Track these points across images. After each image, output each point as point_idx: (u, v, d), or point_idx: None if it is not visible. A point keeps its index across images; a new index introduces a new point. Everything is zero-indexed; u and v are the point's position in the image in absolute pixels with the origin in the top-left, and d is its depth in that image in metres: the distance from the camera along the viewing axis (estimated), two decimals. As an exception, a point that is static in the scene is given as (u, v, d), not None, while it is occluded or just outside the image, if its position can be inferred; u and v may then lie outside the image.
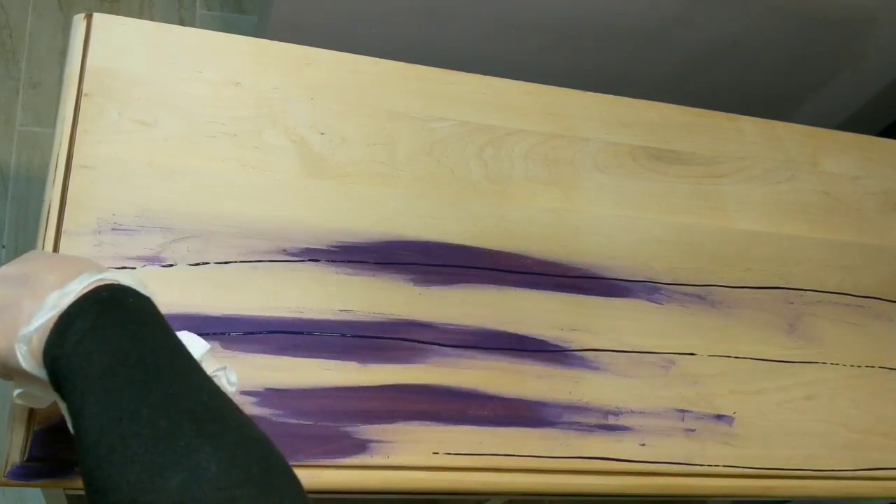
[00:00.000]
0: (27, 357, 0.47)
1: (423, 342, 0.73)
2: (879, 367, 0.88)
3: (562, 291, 0.80)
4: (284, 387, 0.67)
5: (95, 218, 0.69)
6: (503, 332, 0.76)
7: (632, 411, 0.76)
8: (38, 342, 0.47)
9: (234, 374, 0.55)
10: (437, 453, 0.68)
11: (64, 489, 0.65)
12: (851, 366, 0.87)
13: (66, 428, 0.60)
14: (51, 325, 0.46)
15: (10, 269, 0.51)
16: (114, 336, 0.46)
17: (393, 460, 0.67)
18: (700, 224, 0.90)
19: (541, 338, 0.77)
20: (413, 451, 0.68)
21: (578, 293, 0.81)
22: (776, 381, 0.83)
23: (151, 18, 1.62)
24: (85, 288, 0.48)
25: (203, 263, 0.70)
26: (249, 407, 0.65)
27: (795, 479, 0.78)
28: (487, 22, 1.37)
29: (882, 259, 0.96)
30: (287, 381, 0.68)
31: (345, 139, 0.80)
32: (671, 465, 0.75)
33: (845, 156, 1.02)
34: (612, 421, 0.75)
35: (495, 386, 0.73)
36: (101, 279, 0.49)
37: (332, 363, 0.69)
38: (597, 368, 0.77)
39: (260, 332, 0.69)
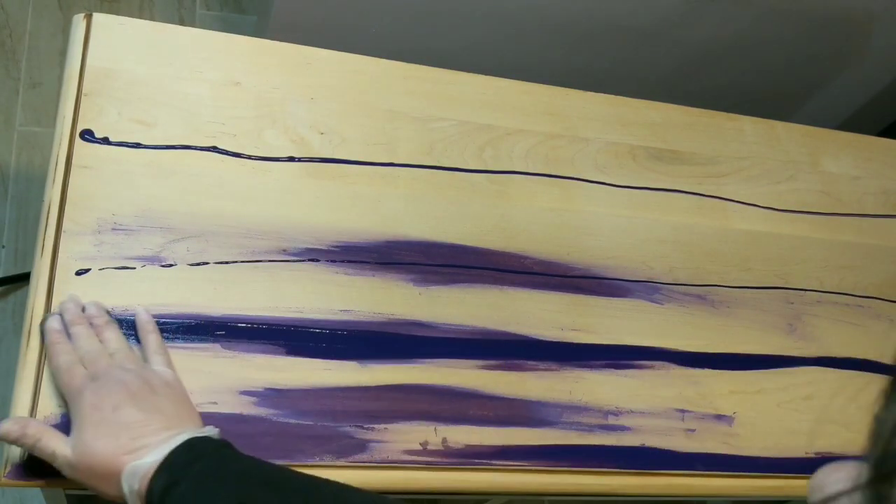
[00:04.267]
0: (130, 495, 0.54)
1: (423, 342, 0.73)
2: (879, 367, 0.88)
3: (562, 291, 0.80)
4: (284, 387, 0.67)
5: (95, 218, 0.69)
6: (503, 332, 0.76)
7: (632, 411, 0.76)
8: (142, 479, 0.53)
9: None
10: (437, 453, 0.68)
11: (64, 489, 0.64)
12: (851, 366, 0.87)
13: (67, 427, 0.60)
14: (153, 469, 0.53)
15: (141, 391, 0.57)
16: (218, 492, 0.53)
17: (393, 460, 0.67)
18: (700, 224, 0.90)
19: (541, 338, 0.77)
20: (413, 452, 0.68)
21: (578, 293, 0.81)
22: (776, 381, 0.83)
23: (151, 18, 1.62)
24: (190, 442, 0.55)
25: (203, 263, 0.70)
26: (249, 407, 0.65)
27: (795, 479, 0.78)
28: (487, 22, 1.37)
29: (882, 259, 0.96)
30: (287, 381, 0.68)
31: (345, 139, 0.80)
32: (671, 465, 0.75)
33: (845, 156, 1.02)
34: (612, 421, 0.75)
35: (495, 386, 0.73)
36: (200, 435, 0.56)
37: (332, 363, 0.69)
38: (597, 368, 0.77)
39: (260, 332, 0.69)
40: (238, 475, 0.54)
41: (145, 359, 0.62)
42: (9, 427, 0.56)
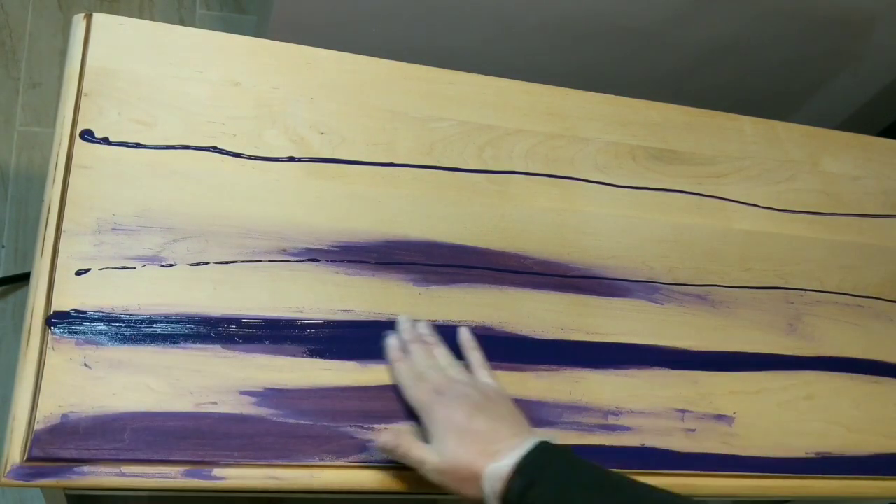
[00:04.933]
0: (490, 495, 0.60)
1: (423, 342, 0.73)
2: (879, 367, 0.88)
3: (562, 291, 0.80)
4: (284, 387, 0.67)
5: (95, 218, 0.69)
6: (503, 332, 0.76)
7: (632, 411, 0.76)
8: (501, 480, 0.59)
9: None
10: (437, 453, 0.68)
11: (64, 489, 0.64)
12: (851, 366, 0.87)
13: (66, 427, 0.60)
14: (511, 470, 0.59)
15: (482, 402, 0.65)
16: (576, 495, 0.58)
17: (393, 460, 0.67)
18: (700, 224, 0.90)
19: (541, 338, 0.77)
20: (413, 451, 0.68)
21: (578, 293, 0.81)
22: (776, 381, 0.83)
23: (151, 18, 1.62)
24: (539, 445, 0.61)
25: (203, 263, 0.70)
26: (249, 407, 0.65)
27: (795, 479, 0.78)
28: (487, 22, 1.36)
29: (882, 259, 0.96)
30: (287, 381, 0.68)
31: (345, 139, 0.80)
32: (671, 465, 0.75)
33: (845, 156, 1.02)
34: (612, 421, 0.75)
35: (495, 386, 0.73)
36: (546, 442, 0.61)
37: (332, 363, 0.69)
38: (597, 368, 0.77)
39: (260, 332, 0.69)
40: (589, 479, 0.59)
41: (472, 372, 0.71)
42: (387, 439, 0.64)
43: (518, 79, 0.91)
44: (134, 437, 0.61)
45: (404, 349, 0.71)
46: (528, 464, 0.59)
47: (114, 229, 0.69)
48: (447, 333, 0.74)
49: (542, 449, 0.61)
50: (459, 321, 0.75)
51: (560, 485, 0.58)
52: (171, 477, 0.61)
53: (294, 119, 0.80)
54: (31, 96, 1.48)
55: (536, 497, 0.58)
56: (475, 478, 0.61)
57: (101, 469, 0.60)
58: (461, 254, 0.79)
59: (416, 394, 0.67)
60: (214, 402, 0.65)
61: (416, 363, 0.69)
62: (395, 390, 0.70)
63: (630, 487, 0.60)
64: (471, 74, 0.89)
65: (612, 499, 0.59)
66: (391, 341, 0.71)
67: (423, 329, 0.73)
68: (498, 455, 0.61)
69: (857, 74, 1.61)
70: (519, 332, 0.77)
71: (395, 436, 0.65)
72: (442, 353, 0.71)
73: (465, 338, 0.73)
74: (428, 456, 0.63)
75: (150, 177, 0.72)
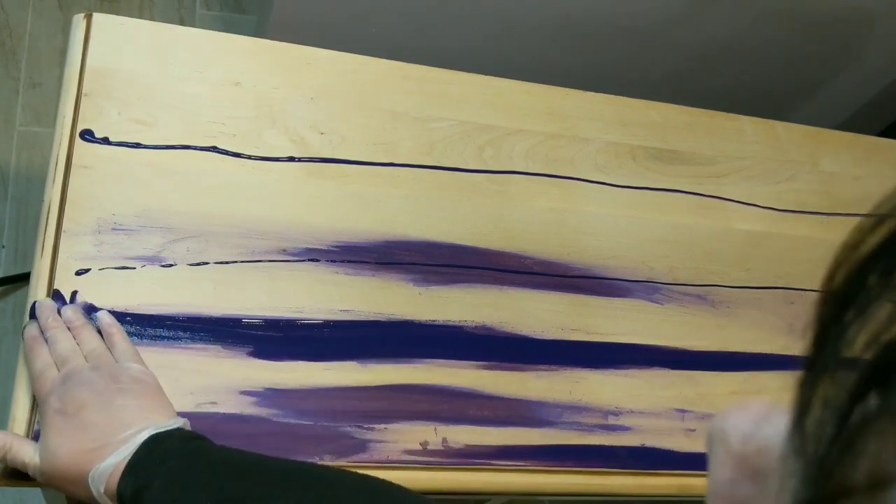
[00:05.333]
0: (101, 496, 0.53)
1: (423, 342, 0.73)
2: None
3: (562, 291, 0.80)
4: (284, 387, 0.67)
5: (95, 218, 0.69)
6: (503, 332, 0.76)
7: (632, 411, 0.76)
8: (108, 481, 0.53)
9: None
10: (437, 453, 0.68)
11: (64, 489, 0.64)
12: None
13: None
14: (120, 470, 0.53)
15: (107, 389, 0.57)
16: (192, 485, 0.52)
17: (393, 460, 0.67)
18: (700, 224, 0.90)
19: (541, 338, 0.77)
20: (413, 452, 0.68)
21: (578, 293, 0.81)
22: (776, 381, 0.83)
23: (151, 18, 1.62)
24: (155, 438, 0.54)
25: (203, 263, 0.70)
26: (249, 407, 0.65)
27: (795, 479, 0.78)
28: (487, 22, 1.37)
29: (882, 259, 0.96)
30: (287, 381, 0.68)
31: (345, 139, 0.80)
32: (671, 465, 0.75)
33: (845, 156, 1.02)
34: (612, 421, 0.75)
35: (495, 386, 0.73)
36: (165, 430, 0.55)
37: (332, 363, 0.69)
38: (597, 368, 0.77)
39: (260, 332, 0.69)
40: (209, 470, 0.53)
41: (116, 359, 0.61)
42: None
43: (518, 79, 0.91)
44: (134, 437, 0.61)
45: (45, 337, 0.61)
46: (139, 462, 0.53)
47: (114, 229, 0.69)
48: (448, 333, 0.74)
49: (157, 439, 0.54)
50: (459, 321, 0.75)
51: (176, 482, 0.51)
52: (171, 477, 0.61)
53: (294, 119, 0.80)
54: (31, 96, 1.48)
55: (149, 500, 0.51)
56: (80, 479, 0.53)
57: (101, 469, 0.60)
58: (461, 254, 0.79)
59: (38, 386, 0.58)
60: (214, 402, 0.65)
61: (53, 350, 0.60)
62: (395, 390, 0.70)
63: (264, 468, 0.54)
64: (471, 74, 0.89)
65: (238, 486, 0.52)
66: (28, 331, 0.62)
67: (69, 313, 0.63)
68: (104, 451, 0.53)
69: (857, 74, 1.61)
70: (519, 332, 0.77)
71: (2, 437, 0.56)
72: (88, 338, 0.62)
73: (104, 322, 0.63)
74: (29, 456, 0.55)
75: (150, 177, 0.72)
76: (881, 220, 0.22)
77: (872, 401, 0.19)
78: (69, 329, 0.62)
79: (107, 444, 0.54)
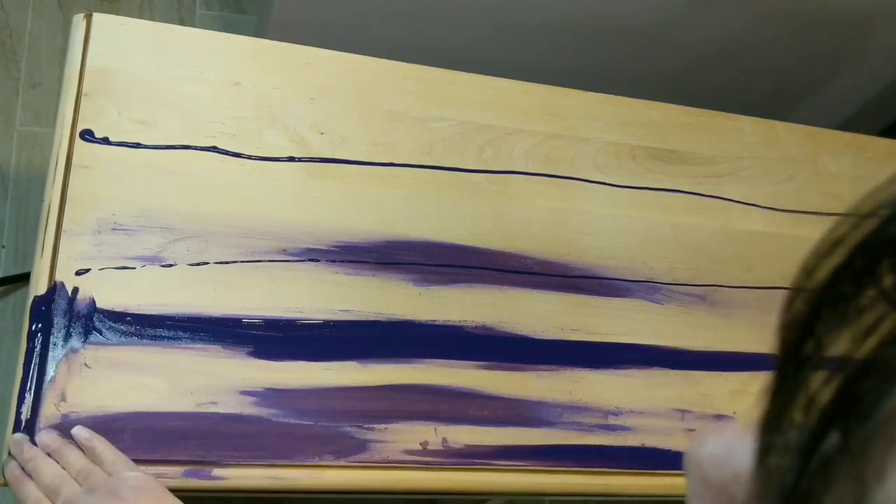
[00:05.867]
0: None
1: (423, 342, 0.73)
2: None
3: (562, 291, 0.80)
4: (284, 387, 0.67)
5: (95, 218, 0.69)
6: (503, 332, 0.76)
7: (632, 411, 0.76)
8: None
9: None
10: (437, 453, 0.68)
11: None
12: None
13: (66, 427, 0.60)
14: None
15: (104, 485, 0.56)
16: None
17: (393, 460, 0.67)
18: (700, 224, 0.90)
19: (541, 338, 0.77)
20: (413, 452, 0.68)
21: (578, 293, 0.81)
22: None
23: (151, 18, 1.62)
24: None
25: (203, 263, 0.70)
26: (249, 407, 0.65)
27: (795, 479, 0.78)
28: (487, 22, 1.36)
29: (882, 259, 0.96)
30: (287, 381, 0.67)
31: (345, 139, 0.80)
32: (671, 465, 0.75)
33: (845, 156, 1.02)
34: (612, 421, 0.75)
35: (495, 386, 0.73)
36: None
37: (332, 363, 0.69)
38: (597, 368, 0.77)
39: (260, 332, 0.69)
40: None
41: (108, 473, 0.59)
42: None
43: (518, 79, 0.91)
44: (134, 437, 0.62)
45: (27, 472, 0.59)
46: None
47: (114, 229, 0.69)
48: (448, 333, 0.74)
49: None
50: (459, 321, 0.75)
51: None
52: (171, 477, 0.61)
53: (294, 119, 0.80)
54: (31, 96, 1.48)
55: None
56: None
57: (101, 469, 0.60)
58: (461, 254, 0.79)
59: None
60: (214, 402, 0.65)
61: (42, 482, 0.58)
62: (395, 390, 0.70)
63: None
64: (471, 74, 0.89)
65: None
66: (9, 470, 0.60)
67: (44, 438, 0.61)
68: None
69: (857, 74, 1.61)
70: (519, 332, 0.77)
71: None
72: (73, 459, 0.60)
73: (81, 437, 0.61)
74: None
75: (150, 177, 0.72)
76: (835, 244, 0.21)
77: (833, 440, 0.19)
78: (49, 455, 0.60)
79: None
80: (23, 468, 0.59)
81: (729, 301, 0.86)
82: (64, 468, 0.59)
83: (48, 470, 0.58)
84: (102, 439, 0.61)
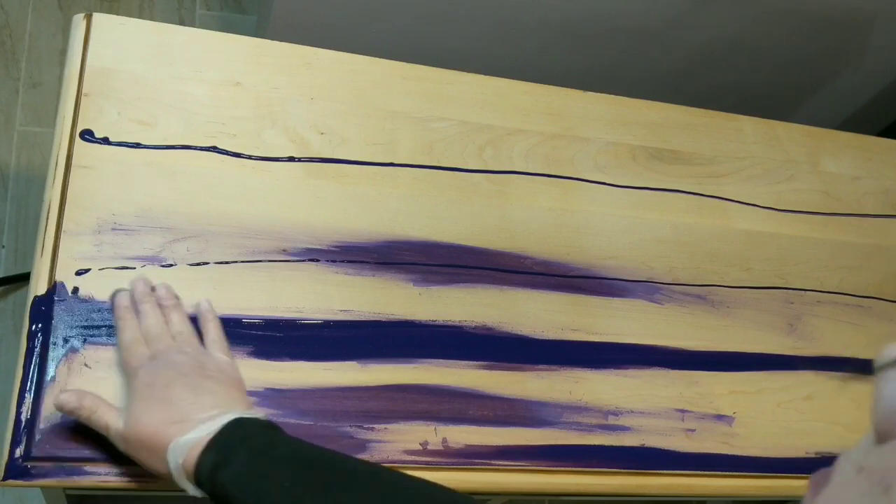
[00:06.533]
0: (176, 470, 0.55)
1: (423, 342, 0.73)
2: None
3: (562, 291, 0.80)
4: (284, 387, 0.67)
5: (95, 218, 0.69)
6: (503, 332, 0.76)
7: (632, 411, 0.76)
8: (189, 453, 0.54)
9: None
10: (437, 453, 0.68)
11: (64, 489, 0.64)
12: (852, 366, 0.87)
13: (66, 427, 0.60)
14: (202, 445, 0.54)
15: (194, 372, 0.59)
16: (272, 473, 0.53)
17: (393, 460, 0.67)
18: (700, 224, 0.90)
19: (541, 338, 0.77)
20: (413, 452, 0.68)
21: (578, 293, 0.81)
22: (776, 381, 0.83)
23: (151, 18, 1.62)
24: (237, 422, 0.55)
25: (203, 263, 0.70)
26: (249, 407, 0.65)
27: (795, 479, 0.78)
28: (487, 22, 1.37)
29: (882, 259, 0.96)
30: (287, 381, 0.67)
31: (345, 139, 0.80)
32: (671, 465, 0.75)
33: (845, 156, 1.02)
34: (612, 421, 0.75)
35: (495, 386, 0.73)
36: (246, 416, 0.56)
37: (332, 363, 0.69)
38: (597, 368, 0.77)
39: (260, 332, 0.69)
40: (289, 457, 0.54)
41: (205, 345, 0.64)
42: (66, 398, 0.58)
43: (518, 79, 0.91)
44: (134, 437, 0.61)
45: (136, 309, 0.64)
46: (222, 439, 0.54)
47: (114, 229, 0.69)
48: (448, 333, 0.74)
49: (240, 423, 0.55)
50: (459, 321, 0.75)
51: (256, 463, 0.53)
52: (171, 477, 0.61)
53: (294, 119, 0.80)
54: (31, 96, 1.48)
55: (228, 476, 0.52)
56: (160, 448, 0.55)
57: (101, 469, 0.60)
58: (461, 254, 0.79)
59: (127, 357, 0.61)
60: (214, 402, 0.65)
61: (143, 324, 0.63)
62: (395, 390, 0.70)
63: (338, 464, 0.55)
64: (470, 74, 0.89)
65: (315, 476, 0.53)
66: (119, 299, 0.64)
67: (162, 291, 0.66)
68: (187, 426, 0.55)
69: (857, 74, 1.61)
70: (519, 332, 0.77)
71: (78, 396, 0.58)
72: (178, 319, 0.64)
73: (204, 308, 0.67)
74: (113, 420, 0.57)
75: (150, 177, 0.72)
76: None
77: None
78: (159, 307, 0.64)
79: (190, 419, 0.55)
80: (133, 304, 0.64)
81: (729, 301, 0.86)
82: (166, 323, 0.64)
83: (153, 318, 0.63)
84: (216, 318, 0.66)
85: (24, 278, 1.31)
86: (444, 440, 0.69)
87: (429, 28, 1.36)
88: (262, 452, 0.54)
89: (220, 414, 0.56)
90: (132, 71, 0.76)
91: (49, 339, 0.63)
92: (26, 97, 1.48)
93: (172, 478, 0.55)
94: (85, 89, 0.74)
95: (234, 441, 0.54)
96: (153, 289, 0.66)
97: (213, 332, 0.65)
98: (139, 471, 0.60)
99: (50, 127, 1.45)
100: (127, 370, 0.61)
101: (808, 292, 0.90)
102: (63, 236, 0.67)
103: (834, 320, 0.89)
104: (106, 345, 0.64)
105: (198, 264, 0.70)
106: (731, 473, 0.76)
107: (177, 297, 0.66)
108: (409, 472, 0.67)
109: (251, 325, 0.69)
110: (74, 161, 0.71)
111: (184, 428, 0.55)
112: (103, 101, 0.74)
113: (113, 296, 0.65)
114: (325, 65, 0.84)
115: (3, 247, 1.35)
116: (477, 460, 0.69)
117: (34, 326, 0.63)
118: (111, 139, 0.73)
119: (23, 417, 0.60)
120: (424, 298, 0.75)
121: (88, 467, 0.60)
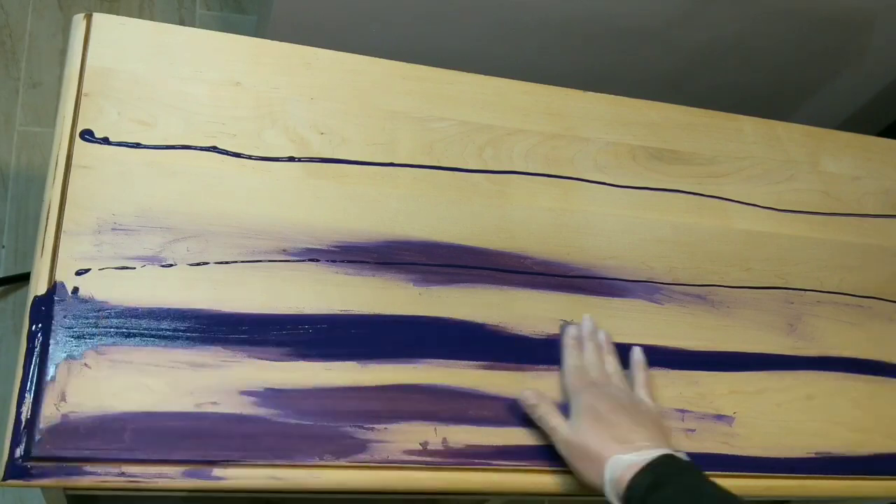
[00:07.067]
0: (609, 483, 0.62)
1: (423, 342, 0.73)
2: (879, 367, 0.88)
3: (562, 291, 0.80)
4: (284, 387, 0.67)
5: (95, 218, 0.69)
6: (503, 332, 0.76)
7: (632, 411, 0.76)
8: (626, 470, 0.61)
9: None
10: (437, 453, 0.68)
11: (64, 489, 0.64)
12: (851, 366, 0.87)
13: (66, 427, 0.60)
14: (639, 466, 0.61)
15: (630, 407, 0.68)
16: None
17: (393, 460, 0.67)
18: (700, 224, 0.90)
19: (541, 337, 0.77)
20: (413, 452, 0.68)
21: (578, 293, 0.81)
22: (776, 381, 0.83)
23: (151, 18, 1.62)
24: (671, 456, 0.63)
25: (203, 263, 0.70)
26: (249, 407, 0.65)
27: (795, 479, 0.78)
28: (487, 22, 1.37)
29: (882, 259, 0.96)
30: (287, 381, 0.68)
31: (345, 139, 0.80)
32: (671, 465, 0.75)
33: (845, 156, 1.02)
34: (612, 421, 0.75)
35: (495, 386, 0.73)
36: (678, 455, 0.63)
37: (332, 363, 0.69)
38: (597, 368, 0.77)
39: (260, 332, 0.69)
40: (717, 498, 0.60)
41: (633, 388, 0.73)
42: (529, 395, 0.70)
43: (518, 79, 0.91)
44: (134, 437, 0.62)
45: (579, 342, 0.75)
46: (658, 466, 0.61)
47: (114, 229, 0.69)
48: (448, 333, 0.74)
49: (674, 458, 0.62)
50: (459, 321, 0.75)
51: (687, 496, 0.59)
52: (171, 477, 0.61)
53: (294, 119, 0.80)
54: (31, 96, 1.48)
55: (661, 500, 0.59)
56: (599, 460, 0.63)
57: (101, 469, 0.60)
58: (461, 254, 0.79)
59: (572, 380, 0.71)
60: (214, 402, 0.65)
61: (586, 358, 0.74)
62: (395, 390, 0.70)
63: None
64: (470, 74, 0.89)
65: None
66: (571, 330, 0.76)
67: (602, 336, 0.76)
68: (627, 447, 0.63)
69: (857, 74, 1.61)
70: (519, 332, 0.77)
71: (538, 396, 0.69)
72: (613, 362, 0.75)
73: (637, 358, 0.76)
74: (562, 426, 0.67)
75: (150, 177, 0.72)
76: None
77: None
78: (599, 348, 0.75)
79: (631, 442, 0.63)
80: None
81: (729, 301, 0.86)
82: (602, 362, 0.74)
83: (594, 354, 0.74)
84: (647, 369, 0.76)
85: (24, 278, 1.31)
86: (444, 440, 0.69)
87: (429, 28, 1.36)
88: (693, 487, 0.60)
89: (654, 446, 0.63)
90: (132, 71, 0.76)
91: (49, 339, 0.63)
92: (26, 97, 1.48)
93: (600, 488, 0.63)
94: (85, 89, 0.74)
95: (671, 472, 0.61)
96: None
97: (643, 378, 0.74)
98: (139, 471, 0.60)
99: (50, 127, 1.45)
100: (570, 389, 0.71)
101: (808, 292, 0.90)
102: (63, 236, 0.67)
103: (834, 320, 0.89)
104: (106, 345, 0.64)
105: (198, 264, 0.70)
106: (731, 473, 0.76)
107: (614, 345, 0.76)
108: (409, 472, 0.67)
109: (251, 325, 0.69)
110: (74, 161, 0.71)
111: (624, 448, 0.63)
112: (103, 101, 0.74)
113: (564, 326, 0.76)
114: (325, 65, 0.84)
115: (3, 247, 1.35)
116: (477, 460, 0.69)
117: (34, 326, 0.63)
118: (111, 139, 0.73)
119: (23, 417, 0.60)
120: (424, 298, 0.75)
121: (88, 467, 0.60)
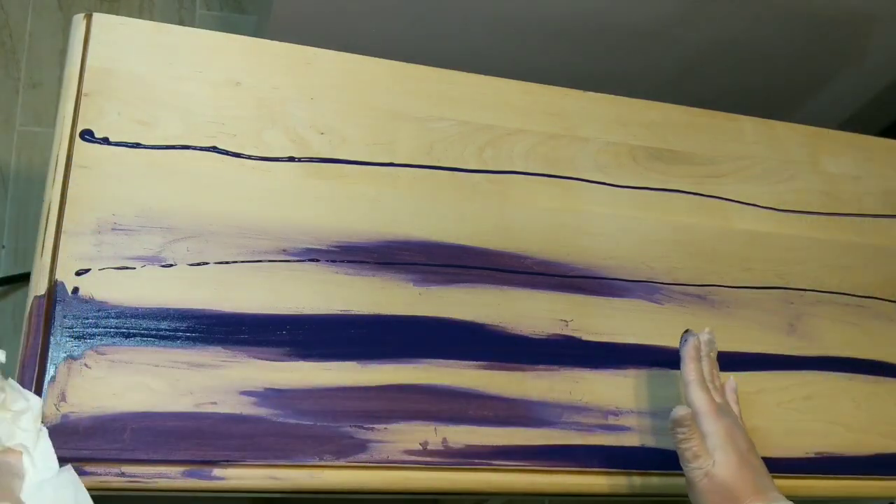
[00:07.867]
0: None
1: (423, 342, 0.73)
2: (879, 367, 0.88)
3: (562, 291, 0.80)
4: (284, 387, 0.67)
5: (95, 218, 0.69)
6: (503, 332, 0.76)
7: (632, 411, 0.76)
8: None
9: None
10: (437, 453, 0.68)
11: (64, 489, 0.64)
12: (851, 366, 0.87)
13: (66, 427, 0.60)
14: None
15: (753, 449, 0.68)
16: None
17: (393, 460, 0.67)
18: (700, 224, 0.90)
19: (541, 337, 0.77)
20: (413, 452, 0.68)
21: (578, 293, 0.81)
22: (776, 381, 0.83)
23: (151, 18, 1.62)
24: None
25: (203, 263, 0.70)
26: (249, 407, 0.65)
27: (796, 478, 0.78)
28: (487, 22, 1.37)
29: (882, 259, 0.96)
30: (287, 381, 0.68)
31: (345, 139, 0.80)
32: (671, 465, 0.75)
33: (845, 156, 1.02)
34: (612, 421, 0.75)
35: (495, 386, 0.73)
36: None
37: (332, 363, 0.69)
38: (597, 368, 0.77)
39: (260, 333, 0.69)
40: None
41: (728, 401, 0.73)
42: (685, 415, 0.66)
43: (518, 79, 0.91)
44: (134, 437, 0.62)
45: (698, 352, 0.73)
46: None
47: (114, 229, 0.69)
48: (448, 333, 0.74)
49: None
50: (459, 321, 0.75)
51: None
52: (171, 477, 0.61)
53: (294, 119, 0.80)
54: (31, 96, 1.48)
55: None
56: (737, 499, 0.63)
57: (101, 469, 0.60)
58: (461, 254, 0.79)
59: (703, 394, 0.69)
60: (214, 402, 0.65)
61: (706, 371, 0.73)
62: (395, 390, 0.70)
63: None
64: (470, 74, 0.89)
65: None
66: (693, 340, 0.73)
67: (714, 355, 0.76)
68: (765, 497, 0.63)
69: (857, 74, 1.61)
70: (519, 333, 0.77)
71: (691, 420, 0.66)
72: (728, 385, 0.75)
73: (731, 386, 0.75)
74: (705, 456, 0.65)
75: (150, 177, 0.72)
76: None
77: None
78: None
79: (768, 493, 0.64)
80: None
81: (729, 301, 0.86)
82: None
83: (712, 370, 0.74)
84: (738, 401, 0.74)
85: (24, 278, 1.31)
86: (444, 440, 0.69)
87: (429, 28, 1.36)
88: None
89: (783, 497, 0.64)
90: (132, 71, 0.76)
91: (49, 339, 0.63)
92: (26, 97, 1.48)
93: None
94: (85, 89, 0.74)
95: None
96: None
97: (737, 410, 0.73)
98: (139, 471, 0.60)
99: (50, 127, 1.45)
100: (702, 405, 0.68)
101: (808, 292, 0.90)
102: (63, 236, 0.67)
103: (834, 320, 0.89)
104: (106, 345, 0.64)
105: (198, 264, 0.70)
106: (731, 473, 0.76)
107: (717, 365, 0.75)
108: (409, 472, 0.67)
109: (251, 325, 0.69)
110: (74, 161, 0.71)
111: (764, 497, 0.63)
112: (103, 101, 0.74)
113: (685, 333, 0.74)
114: (325, 65, 0.84)
115: (3, 247, 1.35)
116: (477, 460, 0.69)
117: (34, 326, 0.63)
118: (111, 139, 0.73)
119: (23, 417, 0.60)
120: (424, 298, 0.75)
121: (88, 467, 0.60)
